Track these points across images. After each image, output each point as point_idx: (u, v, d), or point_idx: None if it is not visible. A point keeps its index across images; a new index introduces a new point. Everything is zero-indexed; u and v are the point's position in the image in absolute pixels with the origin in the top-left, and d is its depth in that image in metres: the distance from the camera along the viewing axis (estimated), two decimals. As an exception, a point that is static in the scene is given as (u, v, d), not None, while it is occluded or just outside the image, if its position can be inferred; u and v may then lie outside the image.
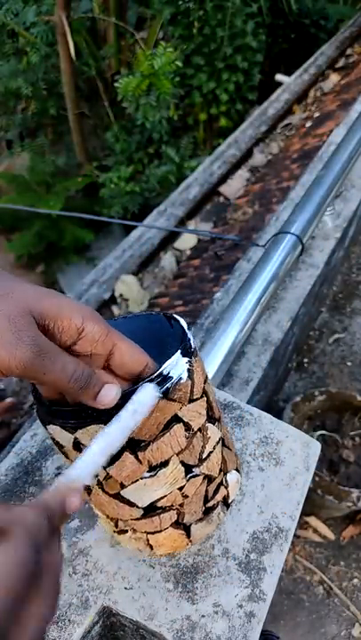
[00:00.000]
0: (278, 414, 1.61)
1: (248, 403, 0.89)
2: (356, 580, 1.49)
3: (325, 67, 4.17)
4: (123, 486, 0.44)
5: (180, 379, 0.41)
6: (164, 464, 0.44)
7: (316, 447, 0.65)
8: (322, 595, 1.48)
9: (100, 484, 0.45)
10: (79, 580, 0.53)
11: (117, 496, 0.45)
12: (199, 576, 0.54)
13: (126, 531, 0.50)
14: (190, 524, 0.51)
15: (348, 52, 4.27)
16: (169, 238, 3.27)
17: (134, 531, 0.50)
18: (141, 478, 0.43)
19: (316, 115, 3.56)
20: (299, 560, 1.53)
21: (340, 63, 4.21)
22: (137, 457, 0.42)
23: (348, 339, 1.93)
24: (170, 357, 0.41)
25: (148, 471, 0.43)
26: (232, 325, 0.91)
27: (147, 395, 0.38)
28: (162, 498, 0.46)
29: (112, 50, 5.15)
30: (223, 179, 3.57)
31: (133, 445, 0.41)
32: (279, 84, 4.36)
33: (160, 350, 0.43)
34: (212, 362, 0.88)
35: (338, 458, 1.53)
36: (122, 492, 0.44)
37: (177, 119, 4.91)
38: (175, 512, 0.48)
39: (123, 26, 4.87)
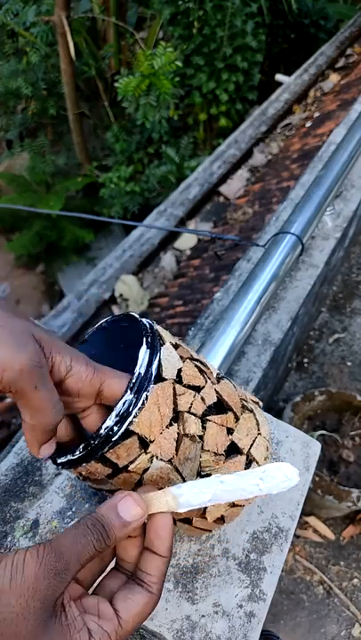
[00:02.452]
0: (278, 414, 1.61)
1: (248, 403, 0.89)
2: (356, 580, 1.49)
3: (325, 67, 4.17)
4: None
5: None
6: None
7: (317, 447, 0.65)
8: (322, 595, 1.48)
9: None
10: (79, 580, 0.53)
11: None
12: (199, 576, 0.54)
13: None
14: None
15: (348, 52, 4.27)
16: (169, 238, 3.27)
17: None
18: None
19: (316, 115, 3.56)
20: (299, 560, 1.53)
21: (340, 63, 4.22)
22: None
23: (348, 339, 1.93)
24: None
25: None
26: (232, 325, 0.91)
27: (287, 477, 0.35)
28: None
29: (112, 50, 5.15)
30: (223, 179, 3.57)
31: None
32: (279, 83, 4.36)
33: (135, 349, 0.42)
34: (212, 362, 0.88)
35: (338, 458, 1.53)
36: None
37: (177, 119, 4.91)
38: None
39: (123, 26, 4.87)
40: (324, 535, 1.56)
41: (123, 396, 0.38)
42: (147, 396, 0.38)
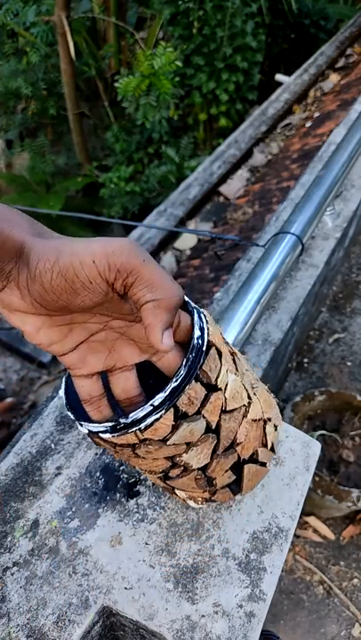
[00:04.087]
0: (278, 414, 1.61)
1: (248, 403, 0.89)
2: (356, 580, 1.49)
3: (325, 67, 4.17)
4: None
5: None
6: None
7: (317, 447, 0.65)
8: (322, 595, 1.48)
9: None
10: (79, 580, 0.53)
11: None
12: (199, 576, 0.54)
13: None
14: None
15: (348, 52, 4.27)
16: (169, 238, 3.27)
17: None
18: None
19: (316, 115, 3.56)
20: (299, 560, 1.53)
21: (340, 63, 4.22)
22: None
23: (348, 339, 1.93)
24: None
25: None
26: (232, 325, 0.91)
27: None
28: None
29: (112, 50, 5.16)
30: (223, 179, 3.57)
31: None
32: (279, 83, 4.36)
33: None
34: (212, 362, 0.88)
35: (338, 458, 1.53)
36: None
37: (177, 119, 4.92)
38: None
39: (123, 26, 4.87)
40: (325, 535, 1.56)
41: (193, 317, 0.41)
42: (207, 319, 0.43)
